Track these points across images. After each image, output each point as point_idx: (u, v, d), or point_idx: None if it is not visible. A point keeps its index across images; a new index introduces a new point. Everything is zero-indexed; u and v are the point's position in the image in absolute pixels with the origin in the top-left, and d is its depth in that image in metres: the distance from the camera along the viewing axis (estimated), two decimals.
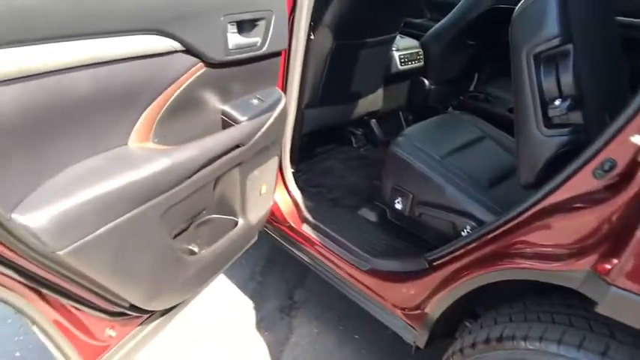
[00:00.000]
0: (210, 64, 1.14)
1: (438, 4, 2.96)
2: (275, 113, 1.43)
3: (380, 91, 2.44)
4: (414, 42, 2.58)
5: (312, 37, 1.81)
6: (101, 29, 0.87)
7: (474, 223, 1.52)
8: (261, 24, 1.27)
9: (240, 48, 1.21)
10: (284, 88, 1.68)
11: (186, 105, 1.16)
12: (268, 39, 1.30)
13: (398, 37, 2.48)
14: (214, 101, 1.26)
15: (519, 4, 1.28)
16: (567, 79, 1.23)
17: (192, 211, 1.32)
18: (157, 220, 1.10)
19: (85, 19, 0.84)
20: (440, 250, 1.45)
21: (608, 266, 0.95)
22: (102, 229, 0.96)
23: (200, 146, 1.14)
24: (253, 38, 1.26)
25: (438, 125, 1.97)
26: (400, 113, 2.75)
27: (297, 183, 1.97)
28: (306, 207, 1.90)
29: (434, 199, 1.64)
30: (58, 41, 0.82)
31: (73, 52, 0.84)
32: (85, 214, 0.92)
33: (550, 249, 1.10)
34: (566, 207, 1.10)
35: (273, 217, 1.93)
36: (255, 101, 1.38)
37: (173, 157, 1.06)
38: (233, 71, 1.25)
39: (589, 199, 1.05)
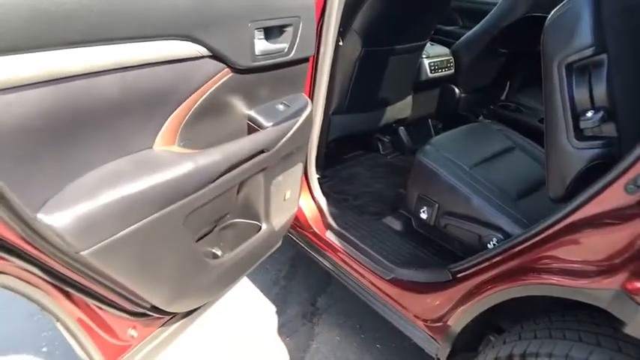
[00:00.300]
0: (236, 69, 1.15)
1: (470, 12, 2.93)
2: (301, 119, 1.44)
3: (409, 99, 2.43)
4: (444, 49, 2.56)
5: (340, 43, 1.81)
6: (129, 34, 0.89)
7: (500, 236, 1.49)
8: (289, 30, 1.28)
9: (267, 54, 1.22)
10: (311, 94, 1.69)
11: (212, 110, 1.17)
12: (295, 45, 1.31)
13: (428, 45, 2.46)
14: (240, 106, 1.27)
15: (552, 12, 1.25)
16: (600, 90, 1.19)
17: (216, 214, 1.34)
18: (180, 223, 1.11)
19: (112, 25, 0.86)
20: (464, 262, 1.43)
21: (639, 285, 0.91)
22: (125, 231, 0.98)
23: (224, 151, 1.15)
24: (280, 44, 1.27)
25: (467, 134, 1.93)
26: (429, 121, 2.72)
27: (322, 189, 1.97)
28: (331, 214, 1.89)
29: (460, 210, 1.61)
30: (85, 46, 0.83)
31: (100, 57, 0.86)
32: (108, 216, 0.93)
33: (578, 265, 1.07)
34: (595, 222, 1.07)
35: (298, 223, 1.94)
36: (281, 107, 1.39)
37: (197, 161, 1.07)
38: (260, 77, 1.26)
39: (620, 215, 1.02)
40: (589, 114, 1.21)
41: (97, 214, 0.91)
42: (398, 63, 2.10)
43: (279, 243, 1.79)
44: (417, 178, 1.76)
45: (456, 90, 2.60)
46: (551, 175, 1.33)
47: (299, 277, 2.41)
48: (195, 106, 1.11)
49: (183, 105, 1.08)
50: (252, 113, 1.32)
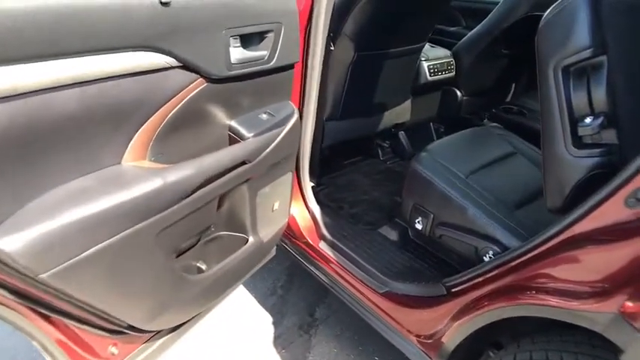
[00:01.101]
0: (211, 79, 1.10)
1: (473, 12, 2.85)
2: (287, 128, 1.38)
3: (408, 103, 2.36)
4: (445, 51, 2.48)
5: (332, 48, 1.75)
6: (87, 47, 0.84)
7: (497, 249, 1.41)
8: (270, 37, 1.23)
9: (244, 62, 1.17)
10: (302, 101, 1.63)
11: (188, 121, 1.12)
12: (277, 52, 1.26)
13: (428, 47, 2.39)
14: (219, 117, 1.22)
15: (547, 13, 1.18)
16: (600, 95, 1.12)
17: (196, 228, 1.28)
18: (151, 241, 1.06)
19: (68, 37, 0.81)
20: (459, 276, 1.36)
21: (638, 311, 0.84)
22: (91, 251, 0.93)
23: (198, 164, 1.10)
24: (260, 52, 1.21)
25: (466, 140, 1.86)
26: (431, 125, 2.65)
27: (317, 197, 1.91)
28: (325, 223, 1.83)
29: (455, 221, 1.54)
30: (42, 60, 0.79)
31: (59, 71, 0.81)
32: (70, 236, 0.89)
33: (574, 285, 1.00)
34: (593, 238, 1.00)
35: (291, 233, 1.88)
36: (265, 116, 1.33)
37: (167, 177, 1.02)
38: (239, 86, 1.21)
39: (620, 231, 0.95)
40: (588, 120, 1.14)
41: (56, 235, 0.86)
42: (394, 67, 2.03)
43: (272, 254, 1.73)
44: (411, 187, 1.69)
45: (458, 93, 2.52)
46: (548, 185, 1.26)
47: (296, 287, 2.35)
48: (167, 118, 1.06)
49: (153, 118, 1.03)
50: (233, 124, 1.26)
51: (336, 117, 2.00)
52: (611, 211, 0.96)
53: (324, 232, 1.80)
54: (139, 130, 1.02)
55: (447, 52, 2.48)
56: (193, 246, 1.37)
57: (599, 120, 1.12)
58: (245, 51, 1.16)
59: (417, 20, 1.94)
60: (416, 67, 2.27)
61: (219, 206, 1.37)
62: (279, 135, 1.35)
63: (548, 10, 1.16)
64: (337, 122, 2.01)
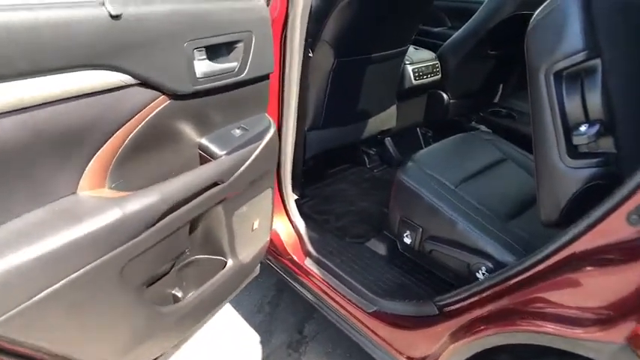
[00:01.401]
0: (175, 96, 1.01)
1: (458, 12, 2.78)
2: (263, 143, 1.29)
3: (393, 108, 2.28)
4: (429, 54, 2.41)
5: (310, 54, 1.67)
6: (30, 68, 0.75)
7: (490, 265, 1.33)
8: (239, 47, 1.14)
9: (212, 76, 1.08)
10: (280, 112, 1.54)
11: (151, 143, 1.03)
12: (249, 63, 1.17)
13: (412, 50, 2.32)
14: (188, 135, 1.13)
15: (535, 14, 1.10)
16: (595, 100, 1.04)
17: (167, 256, 1.19)
18: (115, 276, 0.97)
19: (6, 58, 0.72)
20: (451, 295, 1.28)
21: None
22: (44, 293, 0.84)
23: (164, 190, 1.01)
24: (229, 64, 1.12)
25: (453, 147, 1.78)
26: (418, 130, 2.57)
27: (302, 209, 1.83)
28: (310, 238, 1.74)
29: (445, 235, 1.45)
30: None
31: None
32: (20, 278, 0.79)
33: (576, 311, 0.91)
34: (594, 258, 0.92)
35: (275, 249, 1.79)
36: (239, 131, 1.24)
37: (127, 207, 0.92)
38: (207, 101, 1.12)
39: (623, 251, 0.87)
40: (583, 128, 1.06)
41: (3, 278, 0.77)
42: (377, 72, 1.95)
43: (255, 273, 1.64)
44: (398, 200, 1.61)
45: (444, 96, 2.45)
46: (542, 197, 1.18)
47: (284, 303, 2.26)
48: (127, 141, 0.97)
49: (110, 141, 0.94)
50: (204, 141, 1.17)
51: (319, 126, 1.91)
52: (612, 228, 0.88)
53: (310, 248, 1.71)
54: (95, 156, 0.92)
55: (432, 55, 2.41)
56: (167, 272, 1.28)
57: (595, 128, 1.04)
58: (212, 63, 1.07)
59: (400, 23, 1.86)
60: (400, 72, 2.19)
61: (193, 229, 1.28)
62: (254, 151, 1.26)
63: (537, 12, 1.08)
64: (320, 131, 1.93)
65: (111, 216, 0.89)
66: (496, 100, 2.73)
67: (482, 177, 1.62)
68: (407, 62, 2.23)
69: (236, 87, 1.18)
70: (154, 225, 1.00)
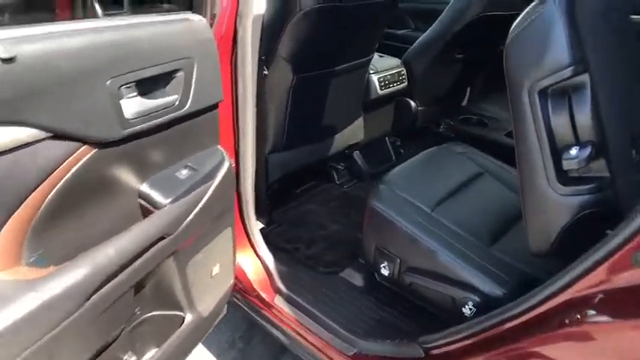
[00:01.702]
0: (101, 144, 0.84)
1: (423, 14, 2.66)
2: (216, 182, 1.13)
3: (360, 121, 2.14)
4: (395, 61, 2.28)
5: (266, 72, 1.51)
6: None
7: (477, 298, 1.21)
8: (179, 77, 0.98)
9: (146, 115, 0.91)
10: (236, 138, 1.38)
11: (77, 200, 0.86)
12: (191, 94, 1.01)
13: (377, 57, 2.19)
14: (123, 185, 0.96)
15: (514, 26, 0.98)
16: (585, 120, 0.93)
17: (112, 326, 1.02)
18: None
19: None
20: (438, 337, 1.15)
21: None
22: None
23: (96, 259, 0.84)
24: (168, 97, 0.96)
25: (426, 163, 1.66)
26: (387, 140, 2.44)
27: (269, 239, 1.67)
28: (279, 273, 1.59)
29: (425, 266, 1.32)
30: None
31: None
32: None
33: None
34: (597, 305, 0.80)
35: (241, 286, 1.63)
36: (185, 172, 1.08)
37: (46, 291, 0.75)
38: (144, 143, 0.95)
39: (631, 297, 0.75)
40: (573, 151, 0.94)
41: None
42: (340, 85, 1.81)
43: (223, 313, 1.48)
44: (371, 228, 1.47)
45: (412, 103, 2.33)
46: (531, 227, 1.07)
47: (257, 337, 2.10)
48: (46, 202, 0.80)
49: (23, 207, 0.76)
50: (144, 189, 1.00)
51: (281, 148, 1.76)
52: (617, 270, 0.77)
53: (280, 284, 1.56)
54: (5, 227, 0.75)
55: (398, 61, 2.29)
56: (117, 337, 1.10)
57: (587, 150, 0.93)
58: (145, 100, 0.91)
59: (362, 32, 1.72)
60: (365, 82, 2.05)
61: (143, 285, 1.11)
62: (205, 193, 1.10)
63: (516, 23, 0.96)
64: (282, 153, 1.78)
65: (25, 306, 0.72)
66: (464, 103, 2.64)
67: (459, 195, 1.50)
68: (372, 72, 2.10)
69: (178, 122, 1.02)
70: (87, 300, 0.83)
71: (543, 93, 0.94)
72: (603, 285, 0.80)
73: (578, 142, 0.94)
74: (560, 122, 0.95)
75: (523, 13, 0.97)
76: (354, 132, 2.11)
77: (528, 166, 1.01)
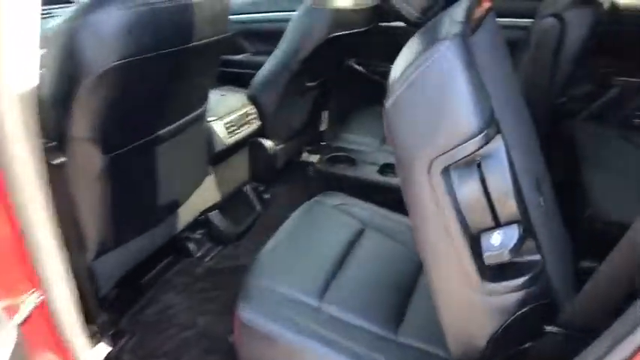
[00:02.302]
0: None
1: (260, 35, 2.35)
2: None
3: (210, 179, 1.77)
4: (239, 98, 1.94)
5: (62, 160, 1.07)
6: None
7: None
8: None
9: None
10: (32, 264, 0.94)
11: None
12: None
13: (217, 98, 1.84)
14: None
15: (392, 80, 0.70)
16: (504, 194, 0.68)
17: None
18: None
19: None
20: None
21: None
22: None
23: None
24: None
25: (301, 229, 1.35)
26: (247, 189, 2.09)
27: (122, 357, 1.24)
28: None
29: None
30: None
31: None
32: None
33: None
34: None
35: None
36: None
37: None
38: None
39: None
40: (495, 238, 0.69)
41: None
42: (171, 150, 1.39)
43: None
44: (245, 345, 1.11)
45: (267, 143, 2.00)
46: (451, 336, 0.81)
47: None
48: None
49: None
50: None
51: (111, 246, 1.32)
52: None
53: None
54: None
55: (243, 98, 1.95)
56: None
57: (513, 235, 0.68)
58: None
59: (188, 82, 1.34)
60: (206, 135, 1.67)
61: None
62: None
63: (395, 78, 0.68)
64: (114, 253, 1.34)
65: None
66: (323, 128, 2.38)
67: (346, 267, 1.22)
68: (213, 119, 1.73)
69: None
70: None
71: (446, 171, 0.67)
72: None
73: (499, 224, 0.70)
74: (471, 202, 0.69)
75: (399, 62, 0.70)
76: (204, 195, 1.73)
77: (437, 263, 0.75)
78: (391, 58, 0.75)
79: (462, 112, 0.64)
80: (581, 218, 1.36)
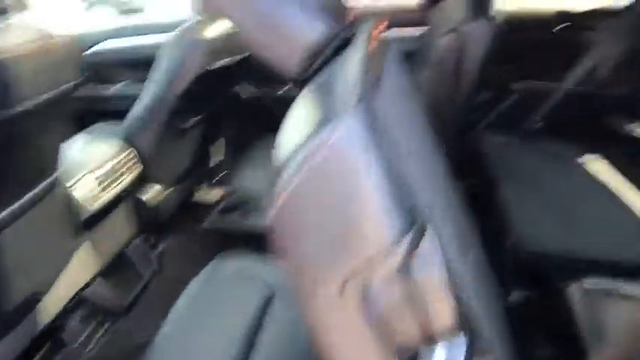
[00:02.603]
0: None
1: (125, 64, 2.04)
2: None
3: (87, 247, 1.46)
4: (111, 144, 1.62)
5: None
6: None
7: None
8: None
9: None
10: None
11: None
12: None
13: (85, 146, 1.54)
14: None
15: (280, 181, 0.50)
16: (440, 299, 0.52)
17: None
18: None
19: None
20: None
21: None
22: None
23: None
24: None
25: (199, 306, 1.12)
26: (132, 248, 1.78)
27: None
28: None
29: None
30: None
31: None
32: None
33: None
34: None
35: None
36: None
37: None
38: None
39: None
40: (436, 354, 0.53)
41: None
42: (18, 235, 1.08)
43: None
44: None
45: (150, 192, 1.72)
46: None
47: None
48: None
49: None
50: None
51: None
52: None
53: None
54: None
55: (118, 143, 1.64)
56: None
57: (459, 343, 0.53)
58: None
59: (23, 151, 1.04)
60: (68, 202, 1.36)
61: None
62: None
63: (284, 160, 0.49)
64: None
65: None
66: (212, 164, 2.13)
67: (259, 348, 1.03)
68: (81, 175, 1.42)
69: None
70: None
71: (366, 287, 0.49)
72: None
73: (439, 338, 0.53)
74: (401, 316, 0.52)
75: (288, 133, 0.51)
76: (81, 267, 1.42)
77: None
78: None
79: (377, 211, 0.46)
80: (503, 247, 1.27)
